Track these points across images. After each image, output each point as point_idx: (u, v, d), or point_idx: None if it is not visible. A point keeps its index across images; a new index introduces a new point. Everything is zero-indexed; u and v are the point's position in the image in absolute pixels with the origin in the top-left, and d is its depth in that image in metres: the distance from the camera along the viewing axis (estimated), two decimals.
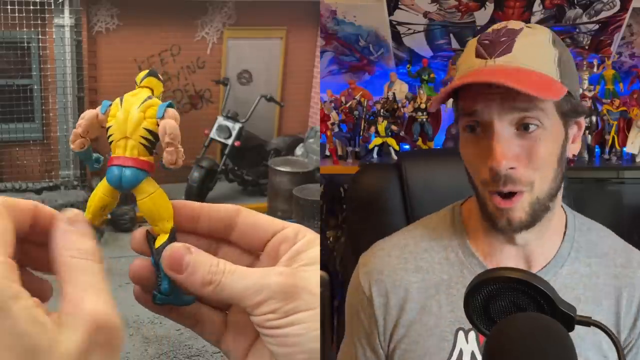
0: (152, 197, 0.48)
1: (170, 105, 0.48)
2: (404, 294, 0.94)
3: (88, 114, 0.49)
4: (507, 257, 0.90)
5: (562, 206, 0.94)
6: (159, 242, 0.47)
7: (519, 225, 0.83)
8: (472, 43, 0.86)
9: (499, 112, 0.79)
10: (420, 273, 0.94)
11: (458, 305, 0.90)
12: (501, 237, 0.89)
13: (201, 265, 0.44)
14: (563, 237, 0.92)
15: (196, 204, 0.49)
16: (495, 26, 0.86)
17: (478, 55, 0.83)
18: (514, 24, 0.84)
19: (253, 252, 0.49)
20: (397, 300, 0.94)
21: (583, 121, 0.88)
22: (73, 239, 0.42)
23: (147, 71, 0.51)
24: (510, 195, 0.82)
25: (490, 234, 0.90)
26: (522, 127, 0.80)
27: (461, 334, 0.91)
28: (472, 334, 0.91)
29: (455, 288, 0.92)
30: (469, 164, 0.86)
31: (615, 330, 0.92)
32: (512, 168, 0.80)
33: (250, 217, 0.49)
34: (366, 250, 1.01)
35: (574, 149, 0.87)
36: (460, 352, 0.91)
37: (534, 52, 0.81)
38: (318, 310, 0.43)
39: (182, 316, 0.48)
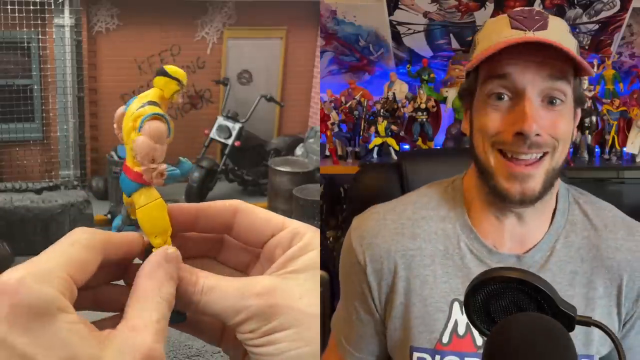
0: (141, 210, 0.46)
1: (155, 116, 0.45)
2: (398, 260, 0.93)
3: (117, 112, 0.48)
4: (503, 231, 0.91)
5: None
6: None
7: (531, 197, 0.85)
8: (501, 18, 0.88)
9: (533, 78, 0.82)
10: (417, 241, 0.93)
11: (453, 276, 0.91)
12: (498, 211, 0.90)
13: (179, 287, 0.44)
14: (554, 211, 0.93)
15: (192, 208, 0.48)
16: (522, 8, 0.90)
17: (514, 27, 0.85)
18: (539, 9, 0.89)
19: (253, 250, 0.49)
20: (391, 266, 0.93)
21: (579, 113, 0.92)
22: (161, 275, 0.43)
23: (158, 69, 0.48)
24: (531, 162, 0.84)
25: (488, 207, 0.91)
26: (548, 101, 0.84)
27: (456, 305, 0.91)
28: None
29: (452, 259, 0.92)
30: (487, 132, 0.86)
31: (616, 303, 0.91)
32: (538, 135, 0.82)
33: (247, 216, 0.48)
34: (362, 214, 0.99)
35: (574, 135, 0.91)
36: (456, 323, 0.91)
37: (564, 35, 0.86)
38: (302, 326, 0.43)
39: (183, 325, 0.49)
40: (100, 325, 0.41)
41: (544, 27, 0.84)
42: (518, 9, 0.89)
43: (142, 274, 0.43)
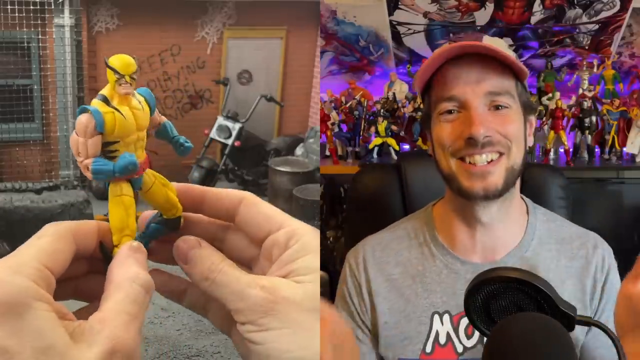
0: (110, 202, 0.49)
1: (84, 109, 0.47)
2: (385, 284, 1.04)
3: None
4: (474, 244, 1.00)
5: (522, 198, 1.05)
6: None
7: (493, 191, 0.92)
8: (437, 51, 0.98)
9: (475, 89, 0.92)
10: (399, 267, 1.04)
11: (432, 292, 1.01)
12: (466, 221, 0.99)
13: (203, 260, 0.46)
14: (526, 226, 1.02)
15: (199, 189, 0.51)
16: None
17: (452, 41, 0.95)
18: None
19: (257, 245, 0.49)
20: (379, 289, 1.04)
21: (534, 120, 1.02)
22: (131, 262, 0.45)
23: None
24: (487, 163, 0.92)
25: (456, 222, 1.00)
26: (494, 108, 0.93)
27: (436, 317, 1.00)
28: (446, 316, 1.00)
29: (430, 277, 1.02)
30: (441, 142, 0.95)
31: (582, 305, 0.99)
32: (487, 136, 0.91)
33: (250, 209, 0.49)
34: (372, 235, 1.10)
35: (529, 141, 0.99)
36: (437, 333, 1.00)
37: (499, 46, 0.95)
38: (300, 329, 0.43)
39: (194, 306, 0.50)
40: (81, 314, 0.42)
41: (478, 40, 0.94)
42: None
43: (112, 265, 0.44)
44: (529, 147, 0.99)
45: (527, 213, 1.04)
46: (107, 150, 0.48)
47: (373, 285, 1.04)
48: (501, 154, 0.92)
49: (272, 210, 0.49)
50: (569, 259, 1.02)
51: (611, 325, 0.99)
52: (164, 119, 0.53)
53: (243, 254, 0.50)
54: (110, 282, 0.43)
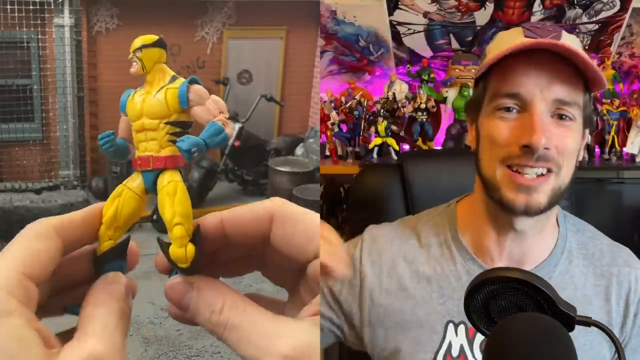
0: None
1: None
2: (398, 280, 0.96)
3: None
4: (501, 252, 0.91)
5: None
6: (101, 248, 0.45)
7: (536, 208, 0.84)
8: (515, 29, 0.87)
9: (543, 91, 0.82)
10: (415, 264, 0.96)
11: (449, 298, 0.93)
12: (498, 227, 0.90)
13: (201, 310, 0.40)
14: (557, 237, 0.94)
15: (215, 221, 0.43)
16: (537, 21, 0.91)
17: (527, 36, 0.84)
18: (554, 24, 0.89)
19: (300, 265, 0.43)
20: (389, 284, 0.96)
21: (587, 134, 0.92)
22: (112, 289, 0.41)
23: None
24: (536, 176, 0.83)
25: (486, 226, 0.91)
26: (557, 117, 0.83)
27: (451, 326, 0.93)
28: (461, 327, 0.92)
29: (447, 282, 0.94)
30: (493, 142, 0.85)
31: (609, 324, 0.92)
32: (546, 148, 0.82)
33: (285, 229, 0.42)
34: (377, 225, 1.02)
35: (581, 155, 0.90)
36: (450, 344, 0.93)
37: (579, 48, 0.84)
38: None
39: None
40: (66, 336, 0.38)
41: (557, 38, 0.83)
42: (532, 22, 0.90)
43: (86, 301, 0.40)
44: (579, 161, 0.90)
45: (557, 223, 0.95)
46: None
47: (384, 279, 0.96)
48: (550, 171, 0.84)
49: (309, 228, 0.41)
50: (597, 276, 0.94)
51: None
52: (218, 117, 0.46)
53: (284, 278, 0.44)
54: (87, 305, 0.39)
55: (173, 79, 0.48)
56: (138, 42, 0.47)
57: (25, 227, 0.39)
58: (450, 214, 0.98)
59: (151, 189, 0.45)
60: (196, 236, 0.42)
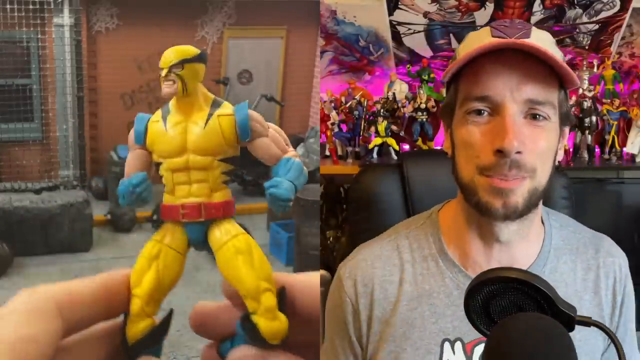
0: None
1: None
2: (388, 307, 0.92)
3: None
4: (489, 261, 0.89)
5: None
6: (135, 330, 0.34)
7: (513, 211, 0.82)
8: (483, 29, 0.85)
9: (514, 92, 0.79)
10: (403, 285, 0.92)
11: (442, 316, 0.90)
12: (484, 239, 0.88)
13: None
14: (543, 237, 0.93)
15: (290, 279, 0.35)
16: (506, 19, 0.87)
17: (495, 35, 0.82)
18: (523, 21, 0.86)
19: None
20: (380, 313, 0.92)
21: (567, 132, 0.89)
22: None
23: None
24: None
25: (471, 237, 0.89)
26: (530, 117, 0.81)
27: (447, 345, 0.89)
28: (458, 345, 0.89)
29: (438, 298, 0.90)
30: (469, 148, 0.83)
31: (601, 321, 0.91)
32: (519, 152, 0.79)
33: None
34: (345, 259, 0.98)
35: (560, 154, 0.88)
36: None
37: (549, 46, 0.82)
38: None
39: None
40: None
41: (526, 35, 0.81)
42: (501, 20, 0.88)
43: None
44: (559, 161, 0.88)
45: (542, 221, 0.94)
46: (159, 173, 0.37)
47: (375, 309, 0.92)
48: (524, 177, 0.81)
49: None
50: (585, 270, 0.94)
51: (629, 338, 0.95)
52: (290, 152, 0.37)
53: None
54: None
55: (216, 103, 0.37)
56: (175, 55, 0.38)
57: (22, 295, 0.30)
58: (432, 225, 0.95)
59: (200, 244, 0.36)
60: (282, 302, 0.34)
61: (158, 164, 0.37)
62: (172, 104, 0.37)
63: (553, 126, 0.83)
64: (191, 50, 0.39)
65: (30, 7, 4.29)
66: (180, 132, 0.36)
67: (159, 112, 0.37)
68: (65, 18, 4.44)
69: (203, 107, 0.37)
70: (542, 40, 0.82)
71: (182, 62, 0.38)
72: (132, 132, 0.37)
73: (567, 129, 0.88)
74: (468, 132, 0.83)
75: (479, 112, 0.82)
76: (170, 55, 0.39)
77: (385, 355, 0.91)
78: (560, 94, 0.83)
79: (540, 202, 0.89)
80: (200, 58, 0.40)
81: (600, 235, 0.98)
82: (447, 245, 0.92)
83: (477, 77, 0.82)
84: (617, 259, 0.96)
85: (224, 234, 0.35)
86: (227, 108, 0.37)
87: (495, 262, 0.89)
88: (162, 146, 0.36)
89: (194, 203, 0.35)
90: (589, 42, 2.31)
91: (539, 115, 0.81)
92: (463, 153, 0.85)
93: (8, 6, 4.22)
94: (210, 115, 0.36)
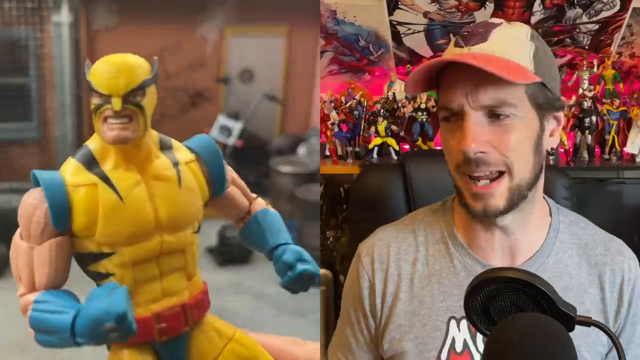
0: None
1: (34, 180, 0.23)
2: (401, 283, 0.99)
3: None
4: (493, 247, 0.95)
5: (545, 198, 0.99)
6: None
7: (494, 212, 0.88)
8: (452, 40, 0.92)
9: (471, 96, 0.85)
10: (416, 265, 0.99)
11: (449, 295, 0.96)
12: (483, 224, 0.94)
13: None
14: (549, 229, 0.97)
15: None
16: (479, 21, 0.92)
17: (456, 44, 0.88)
18: (495, 20, 0.90)
19: None
20: (394, 289, 0.99)
21: (562, 116, 0.93)
22: None
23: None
24: (490, 181, 0.87)
25: (473, 223, 0.95)
26: (495, 117, 0.86)
27: (453, 322, 0.95)
28: (463, 322, 0.95)
29: (447, 278, 0.97)
30: (447, 152, 0.92)
31: (603, 317, 0.95)
32: (482, 152, 0.86)
33: None
34: (365, 240, 1.06)
35: (552, 142, 0.92)
36: (453, 340, 0.95)
37: (509, 43, 0.86)
38: None
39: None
40: None
41: (482, 40, 0.86)
42: (469, 25, 0.93)
43: None
44: (552, 148, 0.92)
45: (550, 215, 0.99)
46: (91, 270, 0.23)
47: (389, 285, 0.99)
48: (501, 173, 0.87)
49: None
50: (591, 265, 0.97)
51: (637, 339, 0.96)
52: (260, 204, 0.28)
53: None
54: None
55: (165, 143, 0.25)
56: (128, 75, 0.22)
57: None
58: (446, 211, 1.02)
59: None
60: None
61: (96, 256, 0.22)
62: (97, 149, 0.23)
63: (521, 120, 0.86)
64: (143, 63, 0.24)
65: (29, 5, 4.28)
66: (145, 200, 0.23)
67: (77, 169, 0.23)
68: (64, 16, 4.44)
69: (154, 152, 0.24)
70: (502, 40, 0.86)
71: (143, 86, 0.24)
72: (36, 212, 0.23)
73: (558, 114, 0.91)
74: (444, 138, 0.92)
75: (448, 120, 0.90)
76: (120, 76, 0.23)
77: (395, 328, 0.98)
78: (529, 88, 0.86)
79: (537, 193, 0.93)
80: (156, 74, 0.26)
81: (612, 236, 1.02)
82: (457, 229, 0.99)
83: (442, 87, 0.90)
84: (627, 260, 0.98)
85: (216, 337, 0.23)
86: (184, 150, 0.25)
87: (497, 247, 0.95)
88: (117, 227, 0.23)
89: (173, 307, 0.23)
90: (589, 42, 2.31)
91: (501, 114, 0.86)
92: (446, 156, 0.93)
93: (6, 4, 4.21)
94: (175, 164, 0.24)
